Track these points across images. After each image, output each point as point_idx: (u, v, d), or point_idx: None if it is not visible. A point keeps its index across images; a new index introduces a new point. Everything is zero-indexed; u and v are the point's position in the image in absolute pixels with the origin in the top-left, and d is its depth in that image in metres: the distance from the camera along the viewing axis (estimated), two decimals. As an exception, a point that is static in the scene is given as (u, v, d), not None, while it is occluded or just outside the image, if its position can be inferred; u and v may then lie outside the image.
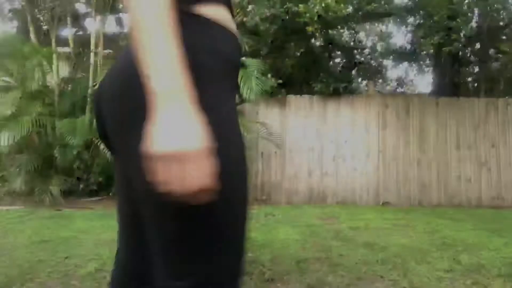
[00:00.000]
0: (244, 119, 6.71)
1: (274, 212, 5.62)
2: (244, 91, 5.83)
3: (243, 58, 5.50)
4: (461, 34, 6.16)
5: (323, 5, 5.56)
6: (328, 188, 6.99)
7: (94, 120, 5.33)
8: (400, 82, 10.49)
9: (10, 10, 8.65)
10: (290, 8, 5.91)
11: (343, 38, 9.84)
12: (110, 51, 6.75)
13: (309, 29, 5.95)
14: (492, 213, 6.00)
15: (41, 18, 7.39)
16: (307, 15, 5.69)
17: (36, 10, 7.07)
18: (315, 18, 5.73)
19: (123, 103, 0.71)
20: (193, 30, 0.71)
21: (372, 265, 3.13)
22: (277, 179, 7.01)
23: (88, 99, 6.82)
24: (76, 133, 6.09)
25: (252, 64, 6.01)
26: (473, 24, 7.74)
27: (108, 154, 6.07)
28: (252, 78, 5.84)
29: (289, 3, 5.92)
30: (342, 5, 5.72)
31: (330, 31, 7.82)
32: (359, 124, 7.08)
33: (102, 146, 6.14)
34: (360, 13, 6.96)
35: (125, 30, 9.61)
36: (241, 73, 5.91)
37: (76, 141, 6.03)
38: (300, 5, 5.76)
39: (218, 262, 0.73)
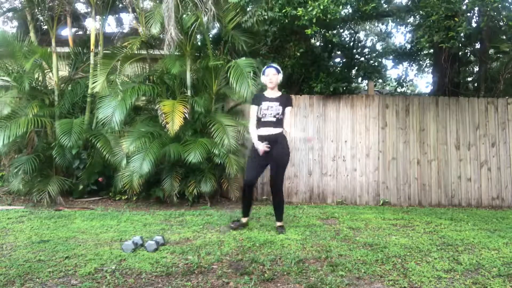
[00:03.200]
0: (244, 119, 6.71)
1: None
2: (242, 92, 5.72)
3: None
4: (461, 34, 6.14)
5: (321, 7, 5.55)
6: (328, 188, 6.99)
7: (94, 120, 5.24)
8: (400, 82, 10.43)
9: (10, 10, 8.64)
10: (289, 12, 5.90)
11: (342, 38, 9.85)
12: (111, 51, 6.72)
13: (308, 31, 5.95)
14: (492, 213, 6.00)
15: (41, 18, 7.38)
16: (306, 18, 5.68)
17: (36, 10, 7.06)
18: (314, 20, 5.73)
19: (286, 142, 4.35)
20: None
21: (371, 265, 3.13)
22: (277, 179, 6.99)
23: (88, 99, 6.81)
24: (72, 134, 5.93)
25: (248, 65, 5.94)
26: (473, 23, 7.74)
27: (106, 154, 6.05)
28: (246, 78, 5.76)
29: (288, 7, 5.91)
30: (340, 7, 5.71)
31: (329, 32, 7.82)
32: (359, 124, 7.09)
33: (99, 145, 6.11)
34: (359, 13, 6.93)
35: (124, 30, 9.61)
36: (238, 73, 5.86)
37: (70, 142, 5.86)
38: (299, 9, 5.76)
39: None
